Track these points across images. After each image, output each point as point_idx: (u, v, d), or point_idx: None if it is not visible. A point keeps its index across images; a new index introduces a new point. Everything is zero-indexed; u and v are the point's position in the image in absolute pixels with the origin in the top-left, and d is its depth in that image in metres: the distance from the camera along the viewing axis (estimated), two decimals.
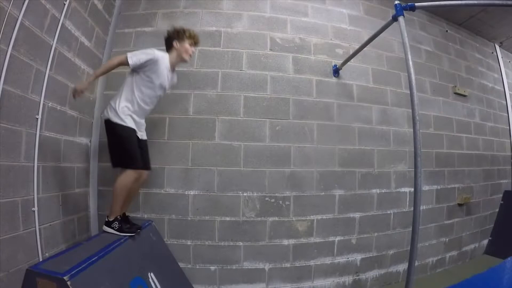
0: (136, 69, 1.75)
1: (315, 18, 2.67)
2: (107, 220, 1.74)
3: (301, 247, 2.36)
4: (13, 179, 1.47)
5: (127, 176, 1.72)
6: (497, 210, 3.44)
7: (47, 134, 1.76)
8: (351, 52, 2.40)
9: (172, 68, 1.90)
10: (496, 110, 3.63)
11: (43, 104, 1.68)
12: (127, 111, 1.73)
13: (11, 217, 1.45)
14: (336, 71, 2.58)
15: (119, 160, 1.75)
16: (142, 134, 1.87)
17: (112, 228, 1.71)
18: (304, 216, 2.38)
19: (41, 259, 1.59)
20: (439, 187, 2.92)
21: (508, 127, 3.73)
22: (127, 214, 1.93)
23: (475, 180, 3.24)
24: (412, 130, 1.51)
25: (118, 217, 1.75)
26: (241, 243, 2.28)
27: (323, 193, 2.44)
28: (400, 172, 2.69)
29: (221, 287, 2.25)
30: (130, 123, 1.73)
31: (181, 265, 2.15)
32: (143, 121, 1.89)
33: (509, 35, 3.73)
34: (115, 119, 1.69)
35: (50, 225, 1.75)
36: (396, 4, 1.70)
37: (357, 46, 2.32)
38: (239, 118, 2.37)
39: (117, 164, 1.77)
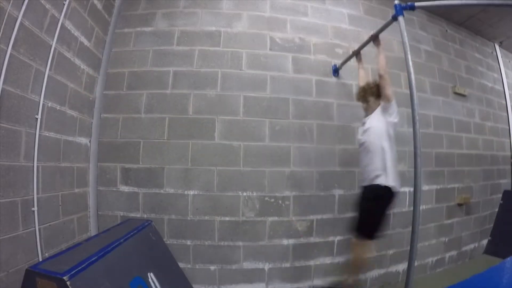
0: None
1: (315, 18, 2.67)
2: None
3: (301, 247, 2.36)
4: (12, 179, 1.48)
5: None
6: (496, 210, 3.44)
7: (47, 134, 1.76)
8: (350, 52, 2.40)
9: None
10: (496, 110, 3.63)
11: (43, 104, 1.68)
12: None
13: (10, 217, 1.45)
14: (335, 71, 2.58)
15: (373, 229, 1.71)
16: None
17: None
18: (304, 216, 2.38)
19: (40, 259, 1.59)
20: (438, 187, 2.92)
21: (507, 127, 3.73)
22: None
23: (475, 180, 3.24)
24: (412, 130, 1.51)
25: None
26: (240, 243, 2.28)
27: (322, 193, 2.44)
28: (399, 172, 2.68)
29: (221, 287, 2.25)
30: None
31: (181, 265, 2.15)
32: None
33: (508, 35, 3.73)
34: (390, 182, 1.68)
35: (49, 225, 1.75)
36: (396, 4, 1.70)
37: (357, 46, 2.32)
38: (239, 118, 2.37)
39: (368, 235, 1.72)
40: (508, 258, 1.35)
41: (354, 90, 2.63)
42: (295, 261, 2.35)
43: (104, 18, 2.39)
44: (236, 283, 2.26)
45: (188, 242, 2.24)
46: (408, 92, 1.55)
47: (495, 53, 3.88)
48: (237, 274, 2.26)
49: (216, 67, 2.42)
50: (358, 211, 1.87)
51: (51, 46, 1.74)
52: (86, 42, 2.16)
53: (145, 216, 2.24)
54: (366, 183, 1.84)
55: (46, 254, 1.67)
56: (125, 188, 2.27)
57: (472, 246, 3.18)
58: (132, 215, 2.24)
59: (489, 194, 3.38)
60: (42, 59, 1.69)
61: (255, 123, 2.38)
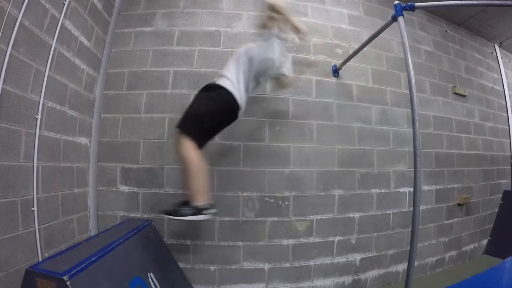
0: None
1: (315, 18, 2.67)
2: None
3: (301, 247, 2.36)
4: (12, 179, 1.48)
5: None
6: (496, 210, 3.44)
7: (47, 134, 1.76)
8: (350, 52, 2.40)
9: None
10: (496, 110, 3.63)
11: (43, 104, 1.68)
12: None
13: (10, 217, 1.45)
14: (335, 71, 2.58)
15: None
16: None
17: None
18: (304, 216, 2.38)
19: (40, 259, 1.59)
20: (438, 187, 2.93)
21: (507, 127, 3.73)
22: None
23: (475, 180, 3.24)
24: (411, 130, 1.51)
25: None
26: (240, 243, 2.28)
27: (322, 193, 2.44)
28: (399, 172, 2.69)
29: (221, 287, 2.25)
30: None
31: (181, 265, 2.15)
32: None
33: (508, 35, 3.73)
34: None
35: (49, 225, 1.75)
36: (395, 4, 1.70)
37: (356, 46, 2.31)
38: (239, 118, 2.36)
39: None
40: (508, 258, 1.36)
41: (354, 90, 2.64)
42: (295, 261, 2.35)
43: (104, 18, 2.40)
44: (236, 283, 2.26)
45: (188, 242, 2.24)
46: (408, 92, 1.55)
47: (495, 54, 3.88)
48: (237, 274, 2.26)
49: (216, 67, 2.42)
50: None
51: (51, 46, 1.74)
52: (86, 42, 2.16)
53: (145, 216, 2.24)
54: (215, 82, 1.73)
55: (46, 254, 1.67)
56: (125, 188, 2.27)
57: (472, 246, 3.18)
58: (132, 215, 2.24)
59: (489, 194, 3.38)
60: (42, 59, 1.69)
61: (255, 123, 2.38)
